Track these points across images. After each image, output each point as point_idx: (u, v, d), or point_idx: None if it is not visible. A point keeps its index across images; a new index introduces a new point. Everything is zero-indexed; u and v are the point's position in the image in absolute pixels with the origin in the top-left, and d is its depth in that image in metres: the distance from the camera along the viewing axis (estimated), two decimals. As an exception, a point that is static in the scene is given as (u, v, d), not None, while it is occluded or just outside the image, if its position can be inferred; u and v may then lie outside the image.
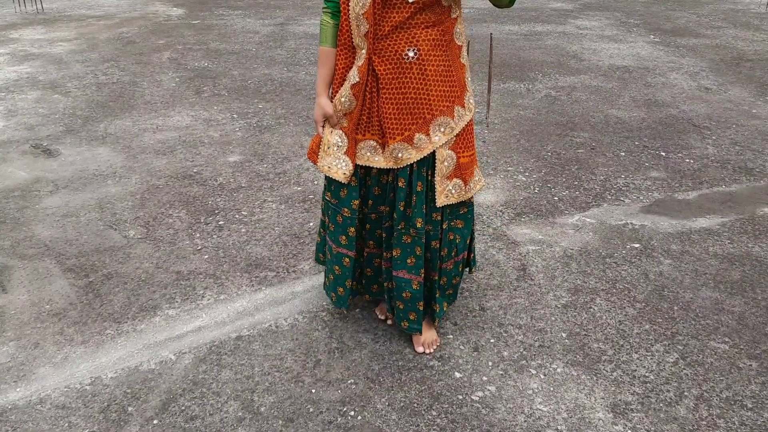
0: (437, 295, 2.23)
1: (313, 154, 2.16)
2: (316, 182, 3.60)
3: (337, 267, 2.22)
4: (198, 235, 3.07)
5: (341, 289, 2.24)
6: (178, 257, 2.89)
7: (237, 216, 3.24)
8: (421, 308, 2.18)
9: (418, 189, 2.02)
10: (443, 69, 1.95)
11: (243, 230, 3.11)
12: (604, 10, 8.91)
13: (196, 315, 2.50)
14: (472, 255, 2.38)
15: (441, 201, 2.04)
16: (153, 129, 4.40)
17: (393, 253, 2.12)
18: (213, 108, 4.81)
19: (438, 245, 2.13)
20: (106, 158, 3.93)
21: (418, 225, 2.05)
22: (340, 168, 2.04)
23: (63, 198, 3.43)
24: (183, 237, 3.05)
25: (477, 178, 2.16)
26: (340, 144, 2.04)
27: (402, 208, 2.05)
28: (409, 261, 2.11)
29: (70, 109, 4.79)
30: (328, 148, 2.07)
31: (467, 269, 2.43)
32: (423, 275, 2.15)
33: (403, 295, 2.15)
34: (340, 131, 2.04)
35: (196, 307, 2.55)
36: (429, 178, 2.03)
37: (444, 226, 2.12)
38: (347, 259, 2.19)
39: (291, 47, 6.63)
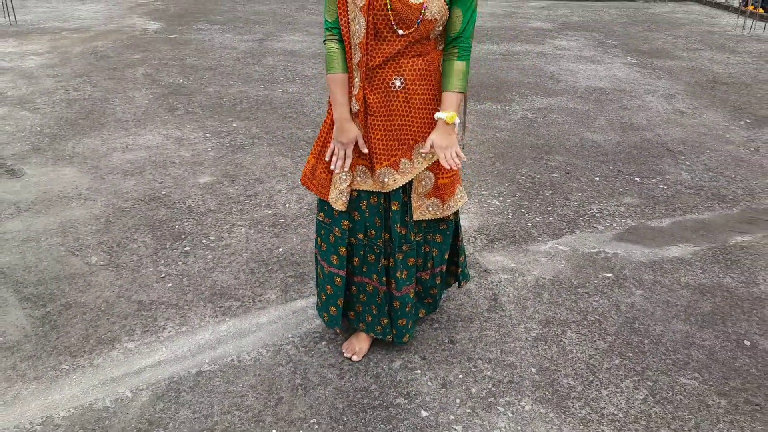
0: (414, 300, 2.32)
1: (307, 181, 2.23)
2: (287, 205, 3.53)
3: (329, 287, 2.26)
4: (162, 261, 2.99)
5: (333, 309, 2.28)
6: (140, 285, 2.80)
7: (204, 241, 3.16)
8: (414, 312, 2.32)
9: (405, 208, 2.13)
10: (427, 97, 2.01)
11: (209, 256, 3.03)
12: (582, 30, 8.98)
13: (156, 348, 2.41)
14: (460, 270, 2.43)
15: (417, 216, 2.13)
16: (122, 148, 4.31)
17: (397, 275, 2.17)
18: (186, 126, 4.73)
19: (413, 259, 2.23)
20: (72, 179, 3.83)
21: (412, 237, 2.16)
22: (340, 198, 2.10)
23: (24, 222, 3.33)
24: (147, 264, 2.97)
25: (459, 196, 2.22)
26: (345, 178, 2.09)
27: (398, 229, 2.13)
28: (403, 275, 2.20)
29: (38, 126, 4.68)
30: (337, 182, 2.11)
31: (456, 283, 2.49)
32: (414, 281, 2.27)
33: (407, 309, 2.25)
34: (349, 166, 2.10)
35: (157, 339, 2.46)
36: (414, 195, 2.13)
37: (418, 238, 2.21)
38: (339, 279, 2.23)
39: (269, 64, 6.57)
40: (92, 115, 4.93)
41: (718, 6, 11.33)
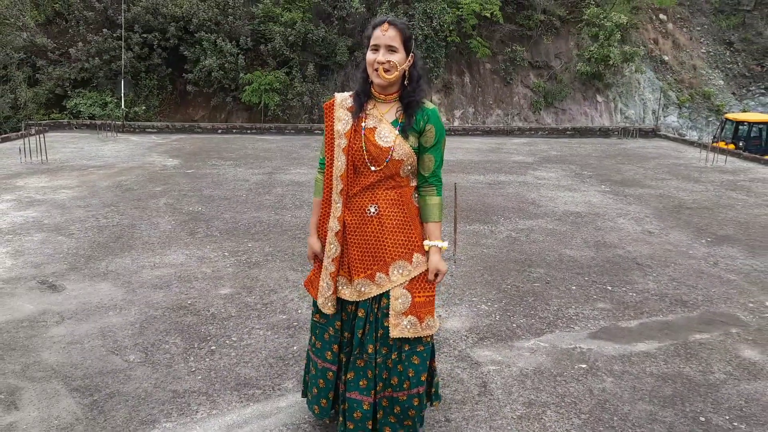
0: (391, 420, 2.44)
1: (309, 284, 2.62)
2: (299, 311, 4.00)
3: (321, 380, 2.56)
4: (192, 358, 3.40)
5: (324, 401, 2.57)
6: (174, 378, 3.20)
7: (227, 341, 3.59)
8: (370, 427, 2.44)
9: (370, 319, 2.43)
10: (400, 223, 2.41)
11: (233, 354, 3.45)
12: (561, 163, 9.89)
13: (191, 428, 2.78)
14: (434, 390, 2.62)
15: (395, 333, 2.35)
16: (150, 266, 4.83)
17: (348, 375, 2.47)
18: (206, 247, 5.29)
19: (387, 375, 2.42)
20: (108, 292, 4.31)
21: (369, 350, 2.42)
22: (326, 304, 2.48)
23: (68, 328, 3.77)
24: (179, 360, 3.38)
25: (434, 321, 2.43)
26: (328, 287, 2.48)
27: (360, 336, 2.43)
28: (361, 383, 2.44)
29: (74, 249, 5.23)
30: (322, 290, 2.50)
31: (429, 402, 2.64)
32: (373, 397, 2.44)
33: (354, 415, 2.42)
34: (329, 277, 2.46)
35: (191, 420, 2.84)
36: (376, 311, 2.41)
37: (394, 357, 2.40)
38: (331, 373, 2.55)
39: (278, 193, 7.28)
40: (121, 239, 5.51)
41: (684, 141, 12.46)
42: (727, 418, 2.91)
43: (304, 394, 2.74)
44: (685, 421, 2.86)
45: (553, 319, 3.97)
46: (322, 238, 2.55)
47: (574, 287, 4.52)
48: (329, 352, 2.53)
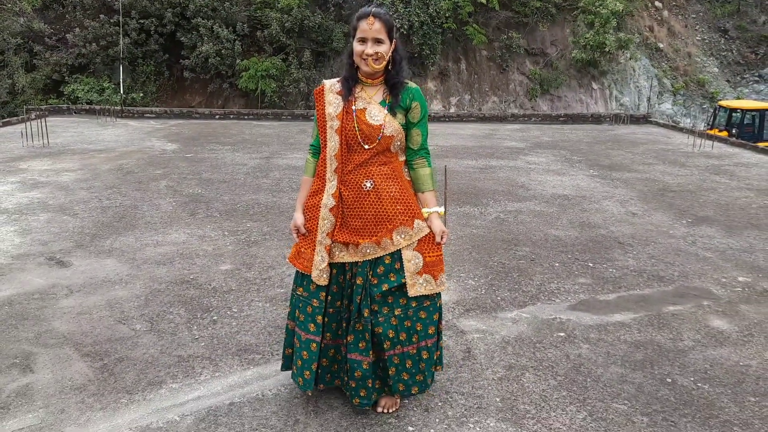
0: (404, 377, 2.64)
1: (294, 259, 2.77)
2: (296, 287, 4.21)
3: (305, 352, 2.67)
4: (195, 327, 3.62)
5: (308, 373, 2.67)
6: (179, 345, 3.42)
7: (229, 312, 3.82)
8: (371, 385, 2.63)
9: (366, 286, 2.61)
10: (396, 194, 2.61)
11: (234, 323, 3.67)
12: (552, 149, 10.10)
13: (196, 387, 3.01)
14: (439, 353, 2.82)
15: (413, 292, 2.56)
16: (153, 244, 5.04)
17: (348, 338, 2.66)
18: (206, 227, 5.50)
19: (393, 333, 2.62)
20: (113, 268, 4.52)
21: (365, 314, 2.60)
22: (321, 276, 2.65)
23: (77, 300, 3.98)
24: (182, 329, 3.60)
25: (445, 278, 2.66)
26: (323, 260, 2.65)
27: (359, 301, 2.63)
28: (360, 345, 2.63)
29: (79, 228, 5.44)
30: (316, 263, 2.66)
31: (438, 362, 2.85)
32: (372, 357, 2.66)
33: (356, 374, 2.61)
34: (324, 250, 2.63)
35: (196, 381, 3.06)
36: (371, 277, 2.61)
37: (397, 312, 2.60)
38: (314, 345, 2.66)
39: (275, 177, 7.48)
40: (125, 219, 5.71)
41: (674, 128, 12.69)
42: (692, 379, 3.15)
43: (287, 367, 2.86)
44: (653, 382, 3.10)
45: (535, 292, 4.20)
46: (307, 213, 2.71)
47: (557, 264, 4.75)
48: (312, 324, 2.66)
